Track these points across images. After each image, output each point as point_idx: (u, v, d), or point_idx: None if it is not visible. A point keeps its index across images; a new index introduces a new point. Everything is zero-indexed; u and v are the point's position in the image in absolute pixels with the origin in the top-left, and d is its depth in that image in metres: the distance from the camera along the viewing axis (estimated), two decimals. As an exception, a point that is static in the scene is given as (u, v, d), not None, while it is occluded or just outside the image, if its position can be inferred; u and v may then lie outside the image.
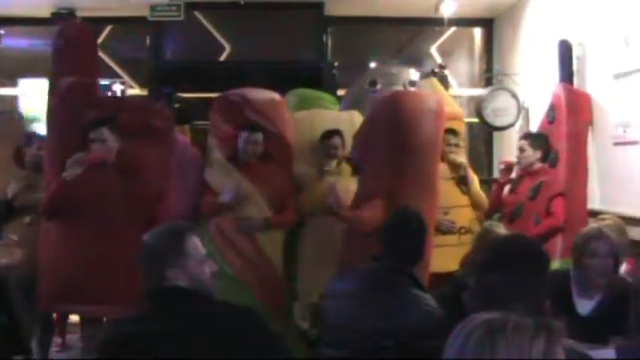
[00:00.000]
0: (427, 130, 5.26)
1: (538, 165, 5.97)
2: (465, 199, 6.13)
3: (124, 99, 8.73)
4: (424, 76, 7.07)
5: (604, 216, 4.88)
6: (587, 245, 3.95)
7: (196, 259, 2.94)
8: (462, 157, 6.22)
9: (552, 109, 6.26)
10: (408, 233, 3.83)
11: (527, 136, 6.03)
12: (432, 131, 5.30)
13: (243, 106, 5.85)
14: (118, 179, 5.14)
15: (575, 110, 6.12)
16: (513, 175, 6.13)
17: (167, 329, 2.74)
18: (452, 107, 6.45)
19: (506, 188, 6.09)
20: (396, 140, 5.19)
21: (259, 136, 5.75)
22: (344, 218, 5.25)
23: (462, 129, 6.43)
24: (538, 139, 6.06)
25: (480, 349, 1.62)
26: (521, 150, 5.99)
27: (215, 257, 5.36)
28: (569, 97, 6.15)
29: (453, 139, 6.17)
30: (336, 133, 6.02)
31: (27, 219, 5.74)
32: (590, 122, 6.38)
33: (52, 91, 5.39)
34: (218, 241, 5.57)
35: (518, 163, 6.06)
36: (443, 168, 5.94)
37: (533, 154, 5.95)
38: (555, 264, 5.15)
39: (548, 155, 6.07)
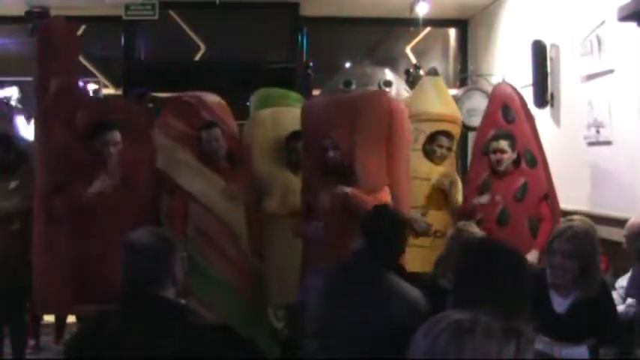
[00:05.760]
0: (408, 128, 5.56)
1: (512, 166, 5.72)
2: (443, 203, 6.03)
3: (106, 100, 8.70)
4: (432, 73, 6.84)
5: (572, 217, 4.85)
6: (550, 243, 3.98)
7: (181, 269, 2.93)
8: (449, 166, 6.20)
9: (509, 108, 5.94)
10: (389, 227, 3.83)
11: (507, 136, 5.72)
12: (409, 130, 5.61)
13: (199, 107, 5.81)
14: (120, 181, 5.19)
15: (527, 110, 6.00)
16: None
17: (142, 340, 2.68)
18: (452, 110, 6.43)
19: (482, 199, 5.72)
20: (393, 137, 5.32)
21: (217, 132, 5.67)
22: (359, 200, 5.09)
23: (456, 133, 6.35)
24: (514, 139, 5.74)
25: (448, 352, 1.62)
26: (503, 151, 5.66)
27: (197, 258, 5.35)
28: (519, 97, 6.03)
29: (446, 142, 6.12)
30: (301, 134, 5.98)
31: None
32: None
33: (41, 92, 5.27)
34: (199, 243, 5.48)
35: (498, 165, 5.68)
36: (426, 168, 6.02)
37: (511, 155, 5.68)
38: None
39: (520, 155, 5.79)
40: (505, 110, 5.95)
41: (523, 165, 5.75)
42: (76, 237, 5.05)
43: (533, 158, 5.76)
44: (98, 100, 6.29)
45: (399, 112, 5.41)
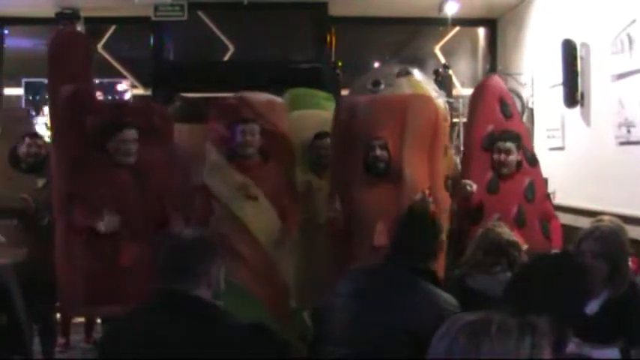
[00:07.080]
0: (446, 132, 5.76)
1: (515, 166, 5.49)
2: None
3: (123, 101, 8.76)
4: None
5: (602, 217, 4.79)
6: (578, 244, 3.94)
7: (220, 270, 2.92)
8: (449, 160, 6.10)
9: (506, 103, 5.73)
10: (420, 231, 3.78)
11: (514, 137, 5.49)
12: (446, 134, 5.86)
13: (240, 106, 5.77)
14: (135, 181, 5.19)
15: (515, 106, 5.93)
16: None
17: (176, 337, 2.67)
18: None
19: (473, 186, 5.41)
20: (436, 142, 5.37)
21: (254, 127, 5.55)
22: None
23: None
24: (520, 140, 5.53)
25: (466, 352, 1.61)
26: (509, 152, 5.42)
27: None
28: (509, 93, 5.94)
29: None
30: (327, 134, 5.90)
31: (14, 221, 5.71)
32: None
33: (52, 100, 5.40)
34: None
35: (502, 167, 5.45)
36: None
37: (516, 157, 5.46)
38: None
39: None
40: (503, 105, 5.73)
41: (525, 164, 5.56)
42: (92, 237, 5.05)
43: (533, 157, 5.65)
44: (110, 103, 6.29)
45: (441, 117, 5.48)
